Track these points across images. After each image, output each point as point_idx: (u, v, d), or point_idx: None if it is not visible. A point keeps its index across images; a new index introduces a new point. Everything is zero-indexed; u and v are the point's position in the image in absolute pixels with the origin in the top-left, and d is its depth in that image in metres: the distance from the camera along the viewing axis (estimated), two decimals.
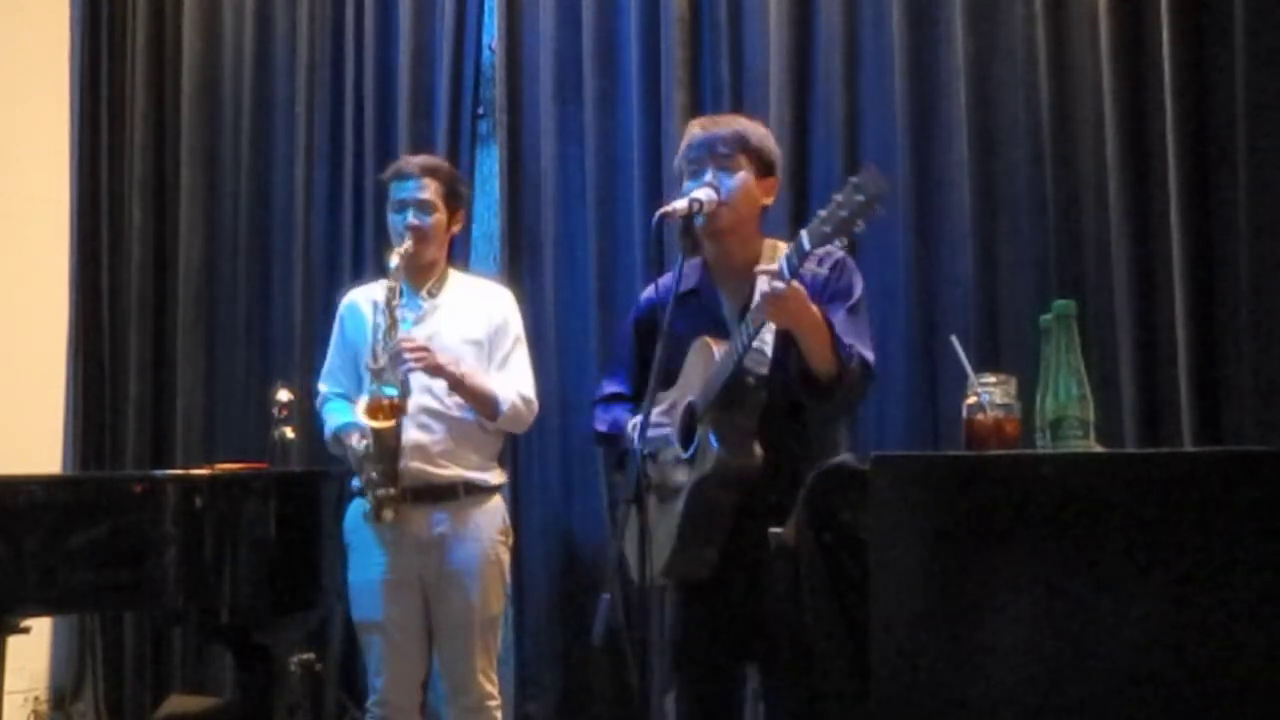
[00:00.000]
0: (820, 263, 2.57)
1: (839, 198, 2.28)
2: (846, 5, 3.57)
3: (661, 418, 2.67)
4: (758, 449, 2.56)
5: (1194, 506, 1.66)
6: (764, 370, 2.58)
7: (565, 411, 4.02)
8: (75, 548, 3.43)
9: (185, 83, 4.93)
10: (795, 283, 2.42)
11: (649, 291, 2.92)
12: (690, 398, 2.64)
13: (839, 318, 2.58)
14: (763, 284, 2.46)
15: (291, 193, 4.67)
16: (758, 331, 2.51)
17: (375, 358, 3.21)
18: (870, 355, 2.60)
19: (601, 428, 2.92)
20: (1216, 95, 2.94)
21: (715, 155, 2.69)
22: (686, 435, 2.64)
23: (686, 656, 2.74)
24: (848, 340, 2.55)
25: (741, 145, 2.70)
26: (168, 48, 5.02)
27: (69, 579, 3.45)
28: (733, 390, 2.54)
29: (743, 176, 2.69)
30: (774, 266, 2.44)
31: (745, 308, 2.61)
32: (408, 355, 3.18)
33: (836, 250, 2.61)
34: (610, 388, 2.96)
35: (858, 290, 2.66)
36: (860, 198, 2.25)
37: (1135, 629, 1.66)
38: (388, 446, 3.17)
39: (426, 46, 4.39)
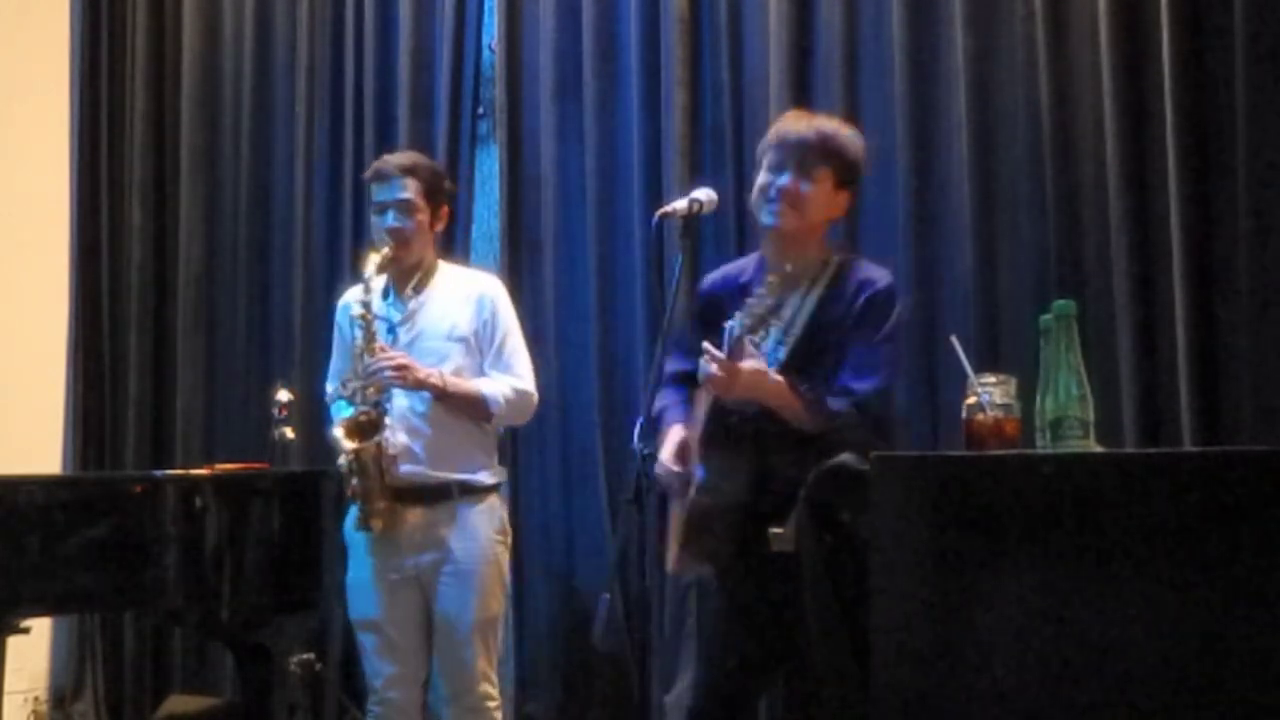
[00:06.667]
0: (859, 290, 2.61)
1: (752, 299, 2.41)
2: (846, 5, 3.57)
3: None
4: (743, 477, 2.56)
5: (1194, 506, 1.66)
6: (749, 408, 2.58)
7: (565, 411, 4.02)
8: (75, 548, 3.42)
9: (185, 83, 4.93)
10: (749, 362, 2.45)
11: (710, 280, 2.91)
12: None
13: (855, 350, 2.58)
14: (708, 366, 2.48)
15: (291, 193, 4.67)
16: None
17: (345, 381, 3.21)
18: (869, 388, 2.57)
19: (654, 408, 2.84)
20: (1216, 95, 2.94)
21: (801, 161, 2.65)
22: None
23: (708, 645, 2.73)
24: (852, 384, 2.56)
25: (830, 155, 2.67)
26: (168, 48, 5.02)
27: (69, 579, 3.44)
28: (717, 426, 2.57)
29: (820, 187, 2.66)
30: (714, 358, 2.46)
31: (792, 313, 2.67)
32: (388, 372, 3.18)
33: (883, 278, 2.65)
34: (673, 364, 2.88)
35: (890, 322, 2.63)
36: (770, 300, 2.37)
37: (1135, 628, 1.66)
38: (369, 464, 3.18)
39: (426, 47, 4.38)
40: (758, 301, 2.38)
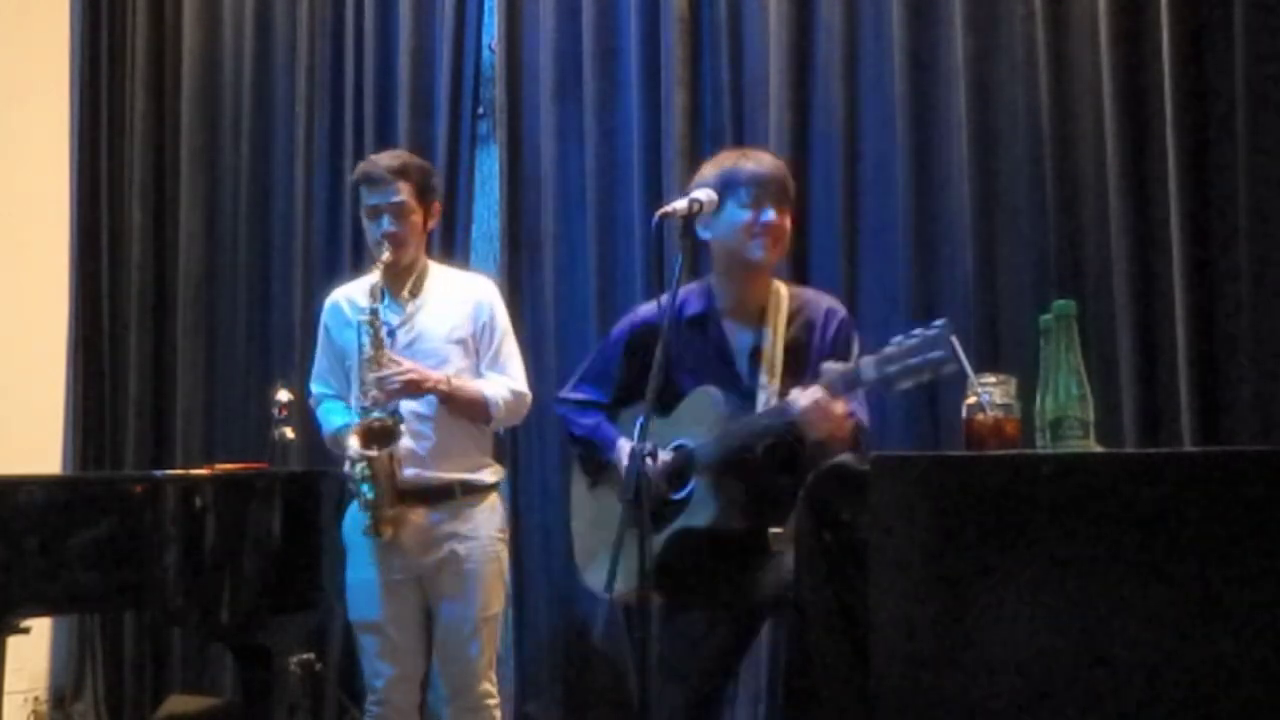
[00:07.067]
0: (827, 320, 2.71)
1: (915, 343, 2.27)
2: (846, 5, 3.57)
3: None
4: (741, 502, 2.64)
5: (1193, 506, 1.66)
6: (769, 441, 2.63)
7: None
8: (75, 548, 3.42)
9: (185, 83, 4.93)
10: (841, 406, 2.49)
11: (648, 310, 2.92)
12: (684, 441, 2.67)
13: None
14: (804, 398, 2.49)
15: (291, 193, 4.67)
16: (784, 427, 2.54)
17: (364, 391, 3.20)
18: (866, 413, 2.70)
19: (578, 431, 2.97)
20: (1216, 95, 2.94)
21: (777, 197, 2.74)
22: (675, 476, 2.68)
23: (672, 665, 2.75)
24: (854, 408, 2.63)
25: (790, 189, 2.79)
26: (168, 48, 5.02)
27: (69, 579, 3.44)
28: (737, 458, 2.61)
29: (789, 221, 2.77)
30: (815, 394, 2.46)
31: (756, 348, 2.73)
32: (396, 383, 3.17)
33: (841, 307, 2.77)
34: (582, 394, 3.00)
35: (855, 350, 2.72)
36: (938, 354, 2.23)
37: (1135, 629, 1.66)
38: (383, 471, 3.17)
39: (426, 46, 4.38)
40: (906, 352, 2.30)
